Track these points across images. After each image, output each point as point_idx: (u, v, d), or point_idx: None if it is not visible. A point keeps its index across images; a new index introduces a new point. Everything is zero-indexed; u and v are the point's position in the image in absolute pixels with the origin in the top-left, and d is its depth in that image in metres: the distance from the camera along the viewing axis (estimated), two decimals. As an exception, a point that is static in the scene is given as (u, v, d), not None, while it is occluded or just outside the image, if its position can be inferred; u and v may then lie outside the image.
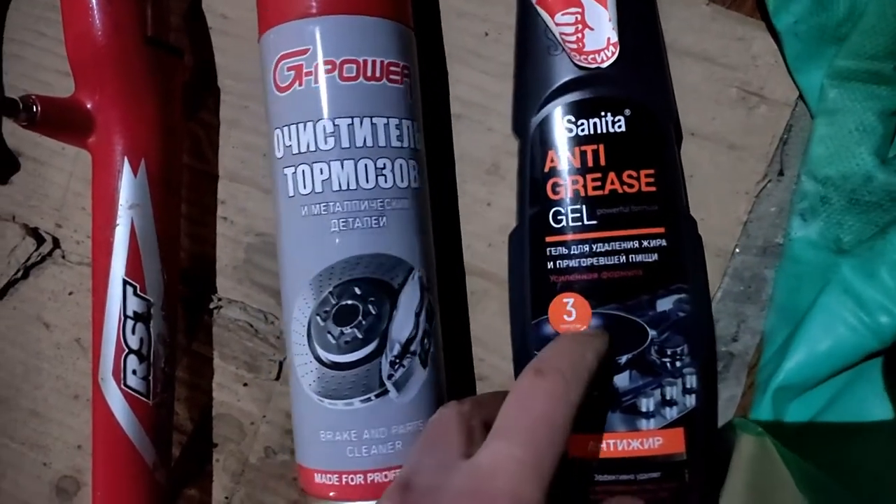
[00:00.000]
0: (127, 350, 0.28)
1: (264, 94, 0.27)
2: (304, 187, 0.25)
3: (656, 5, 0.28)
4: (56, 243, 0.33)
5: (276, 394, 0.32)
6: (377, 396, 0.25)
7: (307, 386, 0.26)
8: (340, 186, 0.25)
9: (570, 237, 0.26)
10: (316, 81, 0.25)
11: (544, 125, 0.27)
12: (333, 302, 0.25)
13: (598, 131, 0.27)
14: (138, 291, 0.28)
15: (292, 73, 0.25)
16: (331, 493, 0.25)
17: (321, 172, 0.25)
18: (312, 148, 0.25)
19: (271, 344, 0.31)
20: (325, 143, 0.25)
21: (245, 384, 0.32)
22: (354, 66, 0.25)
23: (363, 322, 0.25)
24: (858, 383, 0.27)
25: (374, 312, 0.25)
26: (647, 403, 0.26)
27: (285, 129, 0.26)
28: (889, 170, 0.27)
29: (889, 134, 0.28)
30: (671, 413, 0.26)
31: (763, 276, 0.29)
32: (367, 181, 0.25)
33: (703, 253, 0.28)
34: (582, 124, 0.27)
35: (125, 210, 0.28)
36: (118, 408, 0.28)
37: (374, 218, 0.25)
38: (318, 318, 0.25)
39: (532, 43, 0.28)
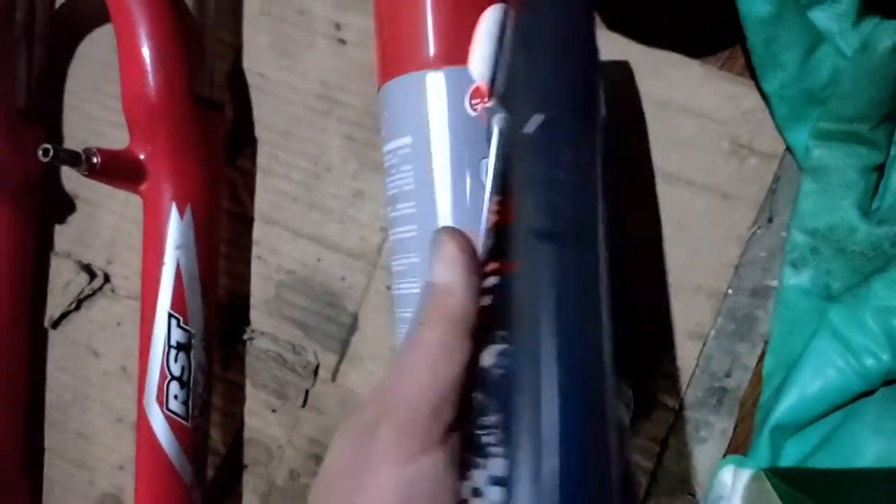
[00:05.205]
0: (170, 377, 0.31)
1: (448, 118, 0.27)
2: None
3: (570, 14, 0.22)
4: (107, 278, 0.36)
5: (301, 420, 0.34)
6: None
7: None
8: None
9: None
10: None
11: None
12: None
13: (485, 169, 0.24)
14: (181, 324, 0.31)
15: None
16: None
17: None
18: None
19: (298, 373, 0.34)
20: None
21: (273, 410, 0.34)
22: None
23: None
24: (850, 422, 0.28)
25: None
26: (465, 489, 0.18)
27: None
28: (871, 221, 0.29)
29: (870, 188, 0.30)
30: None
31: (754, 315, 0.32)
32: None
33: (560, 294, 0.18)
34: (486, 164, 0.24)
35: (172, 250, 0.31)
36: (160, 430, 0.30)
37: None
38: None
39: None
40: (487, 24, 0.25)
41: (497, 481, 0.18)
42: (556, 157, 0.20)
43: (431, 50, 0.27)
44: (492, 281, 0.20)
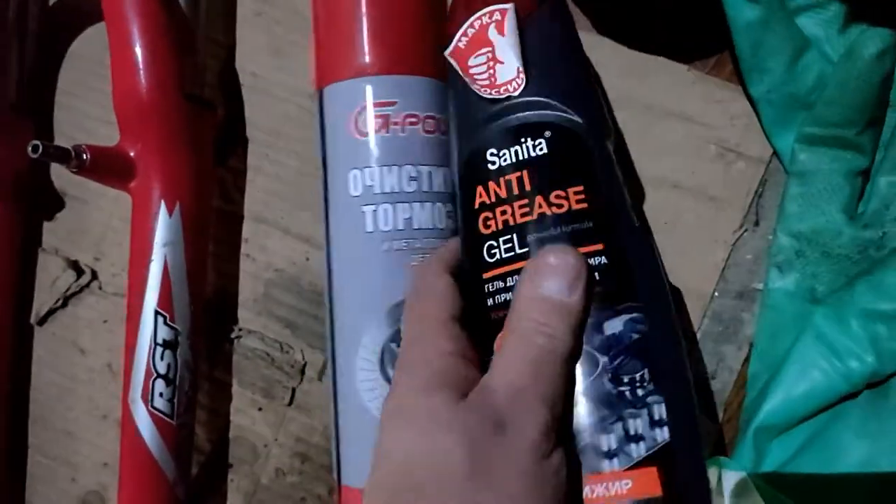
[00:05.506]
0: (155, 374, 0.30)
1: (331, 137, 0.29)
2: (386, 224, 0.27)
3: (568, 27, 0.28)
4: (94, 275, 0.35)
5: (287, 419, 0.34)
6: None
7: (376, 409, 0.27)
8: (420, 225, 0.27)
9: (505, 269, 0.25)
10: (402, 131, 0.27)
11: (470, 163, 0.26)
12: None
13: (521, 158, 0.25)
14: (168, 321, 0.31)
15: (380, 120, 0.28)
16: None
17: (403, 212, 0.27)
18: (396, 189, 0.27)
19: (285, 372, 0.34)
20: (408, 185, 0.27)
21: (260, 409, 0.34)
22: (433, 121, 0.28)
23: None
24: (835, 424, 0.28)
25: None
26: (608, 440, 0.23)
27: (366, 170, 0.28)
28: (856, 225, 0.30)
29: (855, 192, 0.30)
30: (638, 450, 0.22)
31: (740, 318, 0.32)
32: (441, 222, 0.28)
33: (661, 268, 0.26)
34: (504, 154, 0.25)
35: (160, 247, 0.31)
36: (145, 427, 0.30)
37: None
38: (393, 344, 0.27)
39: (455, 92, 0.27)
40: (510, 22, 0.26)
41: (658, 423, 0.23)
42: (610, 156, 0.26)
43: (317, 73, 0.30)
44: (596, 260, 0.24)
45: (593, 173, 0.25)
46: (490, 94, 0.26)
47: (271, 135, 0.35)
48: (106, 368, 0.35)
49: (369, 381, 0.27)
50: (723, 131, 0.32)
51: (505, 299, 0.25)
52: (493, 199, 0.25)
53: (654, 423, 0.23)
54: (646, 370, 0.23)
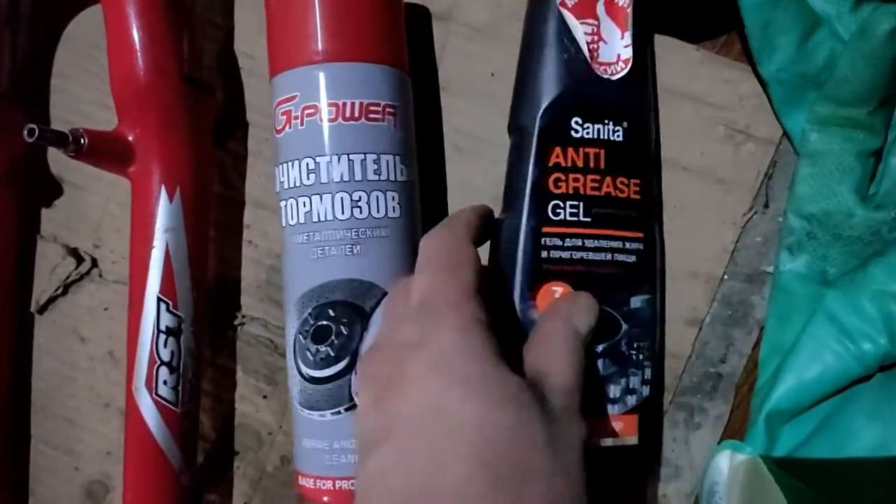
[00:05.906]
0: (159, 362, 0.30)
1: (271, 137, 0.30)
2: (292, 219, 0.28)
3: (654, 47, 0.31)
4: (94, 262, 0.35)
5: (291, 406, 0.34)
6: (346, 410, 0.27)
7: (294, 397, 0.28)
8: (318, 218, 0.27)
9: (565, 230, 0.28)
10: (301, 124, 0.28)
11: (552, 121, 0.28)
12: (311, 322, 0.27)
13: (600, 137, 0.28)
14: (171, 308, 0.30)
15: (284, 117, 0.28)
16: (308, 495, 0.28)
17: (304, 205, 0.28)
18: (297, 184, 0.28)
19: (290, 359, 0.34)
20: (307, 178, 0.27)
21: (264, 396, 0.34)
22: (333, 108, 0.27)
23: (335, 341, 0.27)
24: (847, 407, 0.28)
25: (345, 333, 0.27)
26: (614, 390, 0.28)
27: (282, 166, 0.28)
28: (868, 206, 0.29)
29: (867, 173, 0.30)
30: (631, 401, 0.28)
31: (750, 301, 0.31)
32: (343, 213, 0.27)
33: (664, 263, 0.30)
34: (587, 127, 0.28)
35: (161, 233, 0.30)
36: (149, 415, 0.30)
37: (348, 246, 0.27)
38: (300, 336, 0.28)
39: (547, 42, 0.28)
40: (630, 17, 0.29)
41: (645, 383, 0.28)
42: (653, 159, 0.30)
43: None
44: (635, 246, 0.29)
45: (648, 172, 0.29)
46: (594, 67, 0.28)
47: (270, 118, 0.34)
48: (107, 356, 0.35)
49: (291, 369, 0.29)
50: (732, 112, 0.31)
51: (560, 257, 0.28)
52: (569, 164, 0.28)
53: (643, 383, 0.29)
54: (646, 342, 0.29)
